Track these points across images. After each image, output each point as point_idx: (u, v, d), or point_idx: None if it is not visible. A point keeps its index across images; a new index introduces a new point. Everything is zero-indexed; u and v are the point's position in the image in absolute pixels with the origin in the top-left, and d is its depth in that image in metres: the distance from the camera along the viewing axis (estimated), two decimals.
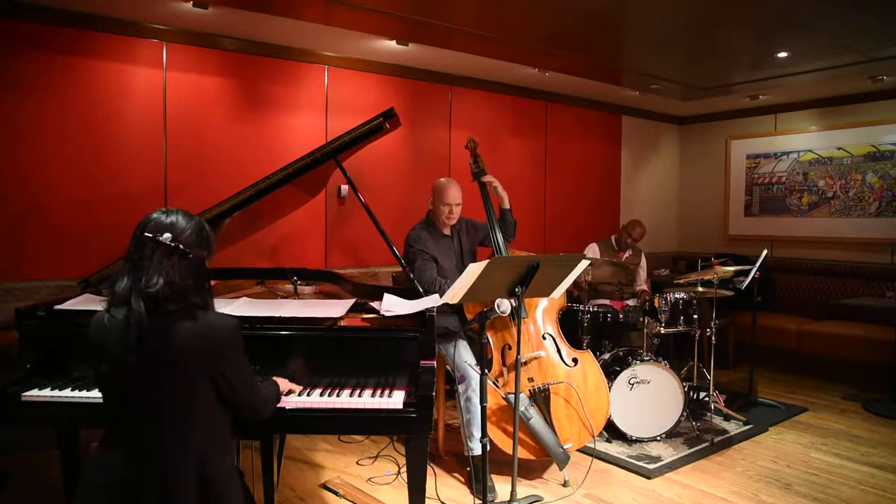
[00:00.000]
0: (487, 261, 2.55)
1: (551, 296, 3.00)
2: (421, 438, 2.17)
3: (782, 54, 4.57)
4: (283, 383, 2.08)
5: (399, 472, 3.37)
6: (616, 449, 3.70)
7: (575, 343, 3.69)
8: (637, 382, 3.76)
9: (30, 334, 2.29)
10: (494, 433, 3.20)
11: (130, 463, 1.57)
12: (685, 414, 3.88)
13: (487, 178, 3.55)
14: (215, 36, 4.08)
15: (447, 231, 3.55)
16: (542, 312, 3.49)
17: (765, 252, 4.52)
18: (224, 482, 1.64)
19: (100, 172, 3.75)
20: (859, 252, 5.77)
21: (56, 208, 3.63)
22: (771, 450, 3.78)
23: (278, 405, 2.00)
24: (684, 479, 3.34)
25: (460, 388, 3.24)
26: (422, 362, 2.23)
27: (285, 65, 4.38)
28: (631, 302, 4.49)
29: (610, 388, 3.57)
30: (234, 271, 3.19)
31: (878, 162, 5.66)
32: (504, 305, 2.53)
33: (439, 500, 3.09)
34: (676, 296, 4.04)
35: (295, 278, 3.09)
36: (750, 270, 4.38)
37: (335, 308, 2.46)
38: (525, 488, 3.20)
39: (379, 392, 2.20)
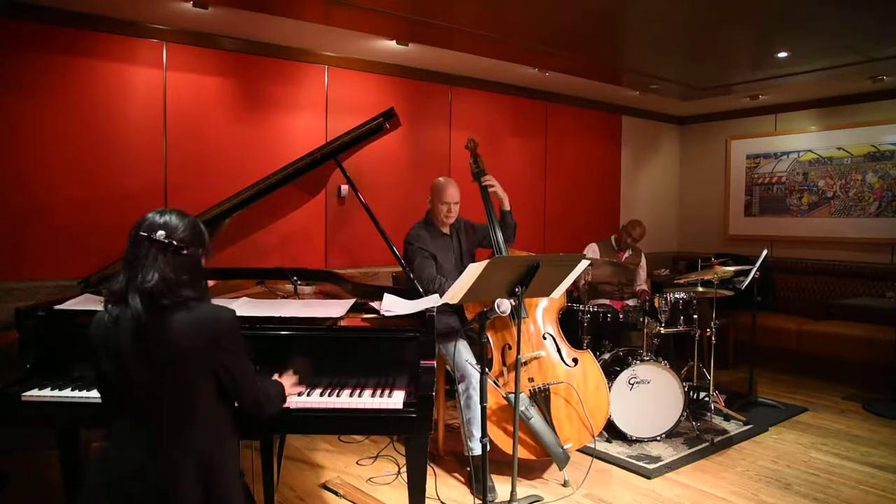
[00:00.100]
0: (487, 261, 2.55)
1: (551, 296, 3.00)
2: (421, 438, 2.17)
3: (782, 54, 4.57)
4: (288, 380, 2.07)
5: (399, 472, 3.37)
6: (616, 449, 3.70)
7: (575, 343, 3.69)
8: (637, 382, 3.76)
9: (30, 334, 2.29)
10: (494, 433, 3.20)
11: (133, 461, 1.57)
12: (685, 414, 3.88)
13: (487, 181, 3.53)
14: (215, 36, 4.08)
15: (446, 230, 3.55)
16: (542, 312, 3.49)
17: (765, 252, 4.52)
18: (225, 476, 1.65)
19: (100, 172, 3.75)
20: (859, 252, 5.77)
21: (56, 208, 3.63)
22: (771, 450, 3.78)
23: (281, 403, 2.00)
24: (684, 479, 3.34)
25: (460, 387, 3.24)
26: (422, 362, 2.23)
27: (285, 65, 4.38)
28: (631, 302, 4.49)
29: (610, 388, 3.57)
30: (234, 271, 3.19)
31: (878, 162, 5.66)
32: (504, 305, 2.53)
33: (439, 500, 3.09)
34: (676, 296, 4.04)
35: (295, 278, 3.09)
36: (750, 270, 4.38)
37: (335, 308, 2.46)
38: (525, 488, 3.20)
39: (379, 392, 2.20)
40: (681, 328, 4.05)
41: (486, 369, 2.66)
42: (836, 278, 5.79)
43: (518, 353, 2.87)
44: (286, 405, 2.08)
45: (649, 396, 3.78)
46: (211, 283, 3.05)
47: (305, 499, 3.11)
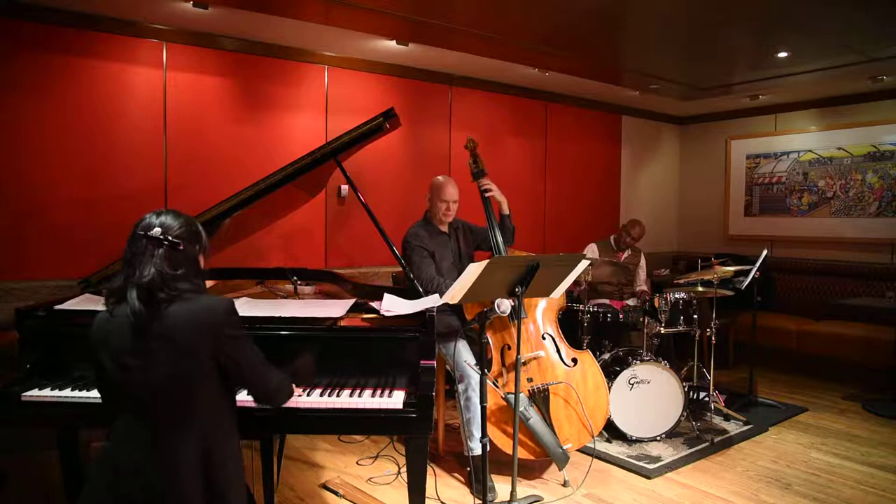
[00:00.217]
0: (487, 261, 2.55)
1: (551, 296, 3.00)
2: (421, 438, 2.17)
3: (782, 54, 4.57)
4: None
5: (399, 472, 3.37)
6: (616, 449, 3.70)
7: (575, 343, 3.69)
8: (637, 382, 3.75)
9: (30, 334, 2.30)
10: (494, 433, 3.20)
11: (134, 459, 1.58)
12: (685, 414, 3.88)
13: (485, 185, 3.52)
14: (215, 36, 4.08)
15: (444, 228, 3.56)
16: (542, 312, 3.49)
17: (765, 252, 4.52)
18: (227, 472, 1.65)
19: (100, 172, 3.75)
20: (859, 252, 5.77)
21: (56, 208, 3.63)
22: (771, 450, 3.78)
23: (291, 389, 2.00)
24: (684, 479, 3.35)
25: (460, 387, 3.24)
26: (422, 362, 2.24)
27: (285, 65, 4.38)
28: (631, 302, 4.49)
29: (610, 388, 3.58)
30: (234, 271, 3.19)
31: (878, 162, 5.66)
32: (504, 305, 2.54)
33: (439, 500, 3.09)
34: (676, 296, 4.04)
35: (295, 278, 3.09)
36: (750, 270, 4.38)
37: (335, 308, 2.47)
38: (525, 488, 3.20)
39: (379, 392, 2.21)
40: (681, 328, 4.05)
41: (486, 370, 2.66)
42: (836, 278, 5.79)
43: (518, 353, 2.86)
44: (286, 405, 2.09)
45: (649, 396, 3.78)
46: (211, 283, 3.08)
47: (305, 499, 3.11)
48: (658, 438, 3.81)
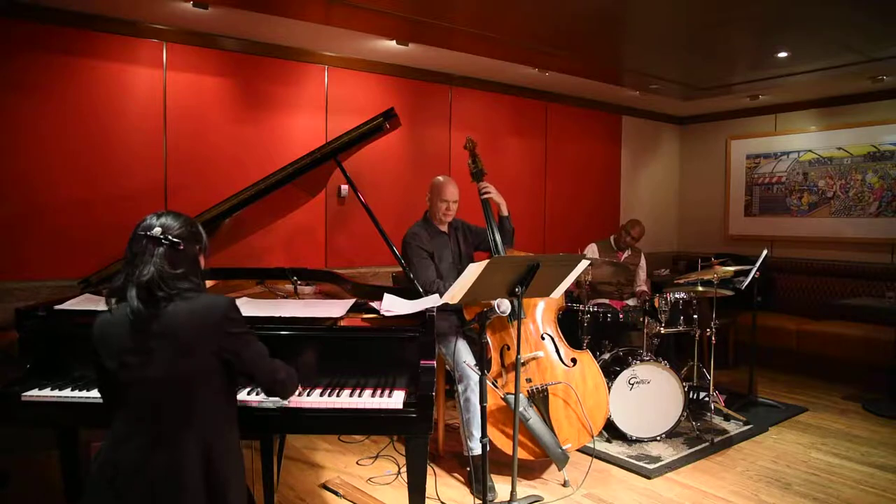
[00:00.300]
0: (487, 261, 2.55)
1: (551, 296, 3.00)
2: (421, 438, 2.17)
3: (782, 54, 4.57)
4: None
5: (399, 472, 3.37)
6: (616, 449, 3.70)
7: (575, 343, 3.69)
8: (637, 382, 3.75)
9: (30, 334, 2.30)
10: (493, 434, 3.20)
11: (135, 457, 1.58)
12: (685, 414, 3.88)
13: (483, 188, 3.50)
14: (215, 36, 4.08)
15: (444, 228, 3.56)
16: (541, 313, 3.49)
17: (765, 252, 4.52)
18: (228, 470, 1.66)
19: (100, 172, 3.75)
20: (859, 252, 5.77)
21: (56, 208, 3.63)
22: (771, 450, 3.78)
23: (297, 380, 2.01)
24: (684, 479, 3.35)
25: (460, 388, 3.24)
26: (422, 362, 2.24)
27: (285, 65, 4.38)
28: (631, 302, 4.49)
29: (610, 388, 3.58)
30: (234, 271, 3.19)
31: (878, 162, 5.66)
32: (504, 305, 2.54)
33: (439, 500, 3.09)
34: (676, 296, 4.04)
35: (295, 278, 3.09)
36: (750, 270, 4.38)
37: (335, 308, 2.47)
38: (525, 488, 3.20)
39: (379, 392, 2.21)
40: (681, 328, 4.05)
41: (485, 370, 2.66)
42: (836, 278, 5.79)
43: (518, 353, 2.86)
44: (286, 405, 2.09)
45: (649, 396, 3.78)
46: (211, 283, 3.08)
47: (305, 499, 3.11)
48: (658, 438, 3.81)
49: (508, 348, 3.30)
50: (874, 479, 3.37)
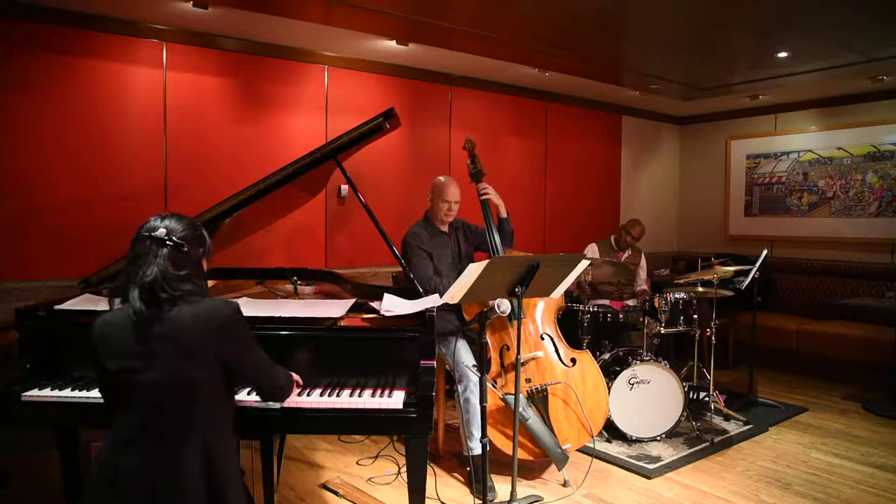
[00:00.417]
0: (487, 261, 2.55)
1: (551, 296, 3.00)
2: (421, 438, 2.17)
3: (782, 54, 4.57)
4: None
5: (399, 472, 3.37)
6: (616, 449, 3.70)
7: (575, 343, 3.69)
8: (637, 382, 3.75)
9: (30, 334, 2.30)
10: (493, 434, 3.20)
11: (135, 459, 1.58)
12: (685, 414, 3.88)
13: (482, 190, 3.50)
14: (215, 36, 4.08)
15: (445, 228, 3.56)
16: (541, 313, 3.49)
17: (765, 252, 4.52)
18: (227, 471, 1.66)
19: (100, 172, 3.75)
20: (859, 252, 5.77)
21: (56, 208, 3.63)
22: (771, 450, 3.78)
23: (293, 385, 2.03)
24: (684, 479, 3.35)
25: (459, 388, 3.24)
26: (422, 362, 2.24)
27: (285, 65, 4.38)
28: (631, 302, 4.49)
29: (610, 388, 3.58)
30: (234, 271, 3.19)
31: (878, 162, 5.66)
32: (504, 305, 2.54)
33: (439, 500, 3.09)
34: (676, 296, 4.04)
35: (295, 278, 3.09)
36: (750, 270, 4.38)
37: (335, 308, 2.47)
38: (525, 488, 3.20)
39: (379, 392, 2.21)
40: (681, 328, 4.05)
41: (485, 370, 2.66)
42: (836, 278, 5.79)
43: (517, 353, 2.86)
44: (287, 405, 2.09)
45: (649, 396, 3.78)
46: (211, 283, 3.08)
47: (305, 499, 3.11)
48: (658, 438, 3.81)
49: (508, 348, 3.30)
50: (874, 479, 3.37)
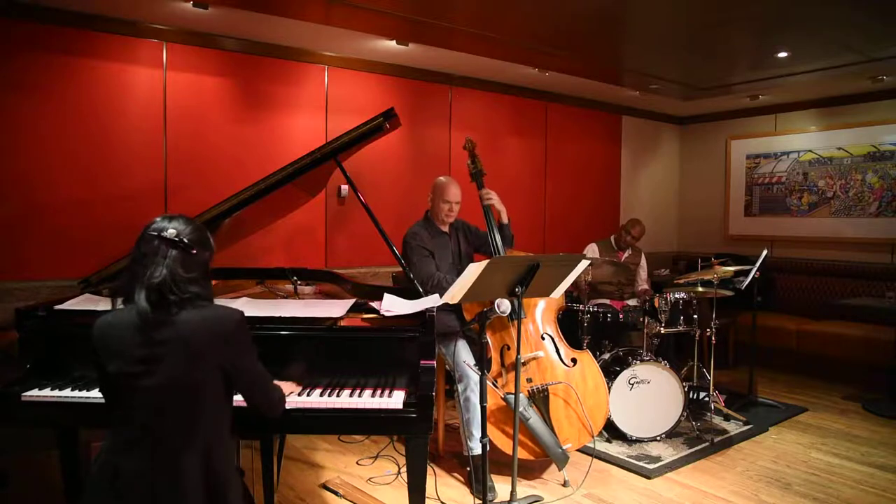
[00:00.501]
0: (488, 261, 2.55)
1: (551, 296, 3.00)
2: (421, 438, 2.17)
3: (782, 54, 4.57)
4: (287, 387, 2.08)
5: (399, 472, 3.37)
6: (616, 449, 3.70)
7: (575, 343, 3.69)
8: (637, 382, 3.75)
9: (30, 334, 2.29)
10: (494, 434, 3.20)
11: (136, 460, 1.57)
12: (685, 414, 3.88)
13: (486, 196, 3.50)
14: (215, 36, 4.08)
15: (445, 229, 3.56)
16: (541, 312, 3.49)
17: (765, 252, 4.52)
18: (226, 474, 1.65)
19: (100, 172, 3.75)
20: (859, 252, 5.77)
21: (56, 208, 3.63)
22: (771, 450, 3.78)
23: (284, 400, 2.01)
24: (684, 479, 3.35)
25: (459, 388, 3.24)
26: (422, 362, 2.24)
27: (285, 65, 4.38)
28: (631, 302, 4.49)
29: (610, 388, 3.58)
30: (234, 271, 3.19)
31: (878, 162, 5.66)
32: (504, 305, 2.54)
33: (439, 500, 3.09)
34: (676, 296, 4.05)
35: (295, 278, 3.09)
36: (750, 270, 4.38)
37: (335, 308, 2.46)
38: (525, 488, 3.20)
39: (379, 392, 2.21)
40: (681, 328, 4.05)
41: (485, 370, 2.66)
42: (836, 278, 5.79)
43: (518, 353, 2.86)
44: (286, 405, 2.09)
45: (649, 396, 3.78)
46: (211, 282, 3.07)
47: (305, 499, 3.11)
48: (658, 438, 3.81)
49: (508, 348, 3.30)
50: (874, 479, 3.37)
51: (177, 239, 1.62)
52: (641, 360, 3.77)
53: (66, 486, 2.38)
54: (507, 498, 2.92)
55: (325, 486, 3.22)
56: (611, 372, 3.76)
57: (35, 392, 2.14)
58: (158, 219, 1.68)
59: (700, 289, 4.17)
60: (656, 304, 4.02)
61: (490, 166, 3.78)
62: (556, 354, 3.40)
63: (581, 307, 4.09)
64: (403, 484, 3.06)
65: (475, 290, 2.64)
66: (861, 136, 5.75)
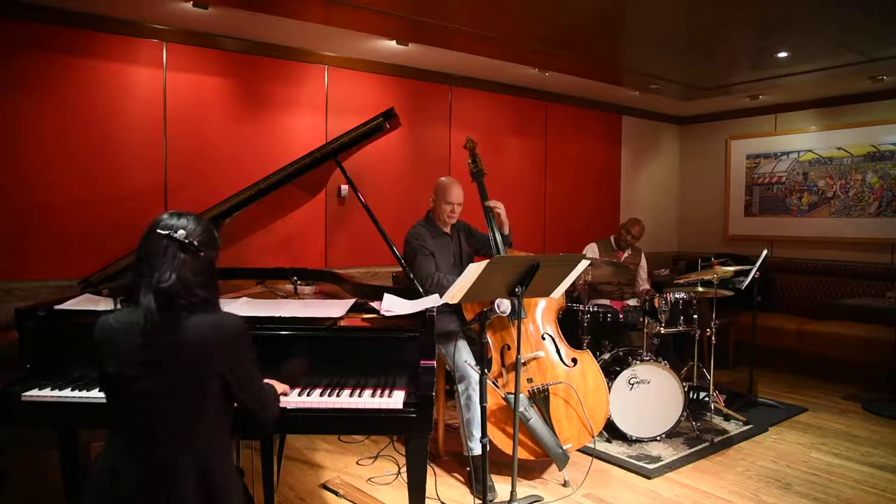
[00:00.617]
0: (488, 261, 2.55)
1: (551, 296, 3.00)
2: (421, 438, 2.17)
3: (782, 54, 4.57)
4: (279, 387, 2.06)
5: (399, 472, 3.37)
6: (616, 449, 3.70)
7: (575, 343, 3.69)
8: (637, 382, 3.75)
9: (30, 334, 2.29)
10: (494, 434, 3.20)
11: (135, 463, 1.57)
12: (685, 414, 3.88)
13: (494, 205, 3.51)
14: (215, 36, 4.08)
15: (447, 229, 3.56)
16: (541, 312, 3.49)
17: (765, 252, 4.52)
18: (225, 480, 1.64)
19: (100, 172, 3.75)
20: (859, 252, 5.77)
21: (56, 208, 3.63)
22: (771, 450, 3.78)
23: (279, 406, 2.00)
24: (684, 479, 3.34)
25: (460, 387, 3.24)
26: (422, 362, 2.23)
27: (285, 65, 4.38)
28: (631, 302, 4.49)
29: (610, 388, 3.58)
30: (234, 271, 3.19)
31: (878, 162, 5.66)
32: (504, 305, 2.53)
33: (439, 500, 3.09)
34: (676, 296, 4.05)
35: (295, 278, 3.09)
36: (750, 270, 4.38)
37: (335, 308, 2.47)
38: (525, 488, 3.20)
39: (379, 392, 2.20)
40: (681, 328, 4.05)
41: (486, 370, 2.66)
42: (836, 278, 5.79)
43: (518, 353, 2.86)
44: (287, 405, 2.09)
45: (649, 396, 3.78)
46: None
47: (305, 499, 3.11)
48: (658, 438, 3.81)
49: (509, 348, 3.30)
50: (874, 479, 3.37)
51: (187, 241, 1.58)
52: (641, 360, 3.77)
53: (66, 486, 2.39)
54: (507, 498, 2.92)
55: (325, 486, 3.22)
56: (611, 372, 3.75)
57: (35, 392, 2.14)
58: (166, 216, 1.64)
59: (700, 289, 4.17)
60: (656, 304, 4.02)
61: (490, 166, 3.78)
62: (556, 354, 3.40)
63: (581, 307, 4.09)
64: (403, 484, 3.06)
65: (475, 290, 2.64)
66: (861, 136, 5.75)
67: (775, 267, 6.12)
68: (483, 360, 2.69)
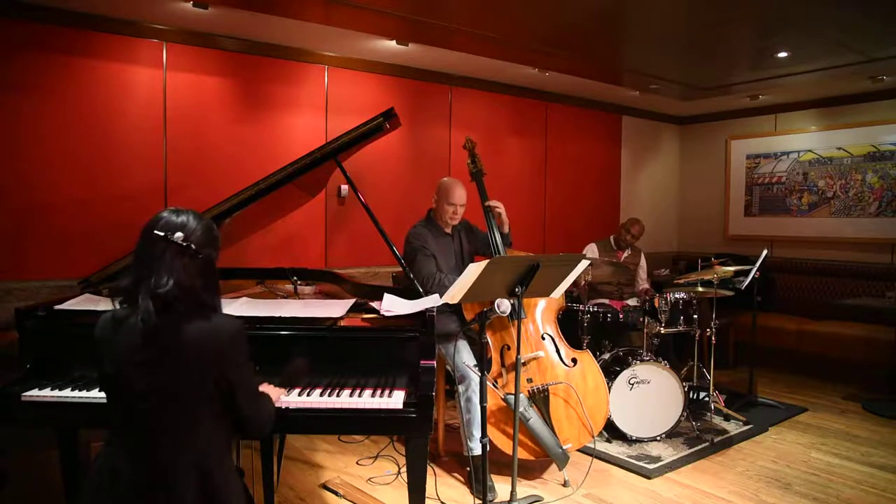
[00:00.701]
0: (488, 261, 2.55)
1: (551, 296, 3.00)
2: (421, 438, 2.17)
3: (782, 54, 4.57)
4: (271, 390, 2.01)
5: (399, 472, 3.37)
6: (616, 449, 3.70)
7: (575, 343, 3.69)
8: (637, 382, 3.75)
9: (30, 334, 2.29)
10: (494, 434, 3.20)
11: (134, 463, 1.56)
12: (685, 414, 3.88)
13: (494, 206, 3.51)
14: (215, 36, 4.08)
15: (448, 230, 3.56)
16: (541, 312, 3.49)
17: (765, 252, 4.52)
18: (224, 480, 1.64)
19: (100, 172, 3.75)
20: (859, 252, 5.77)
21: (56, 208, 3.63)
22: (771, 450, 3.78)
23: (279, 405, 2.00)
24: (684, 479, 3.34)
25: (460, 388, 3.24)
26: (422, 362, 2.24)
27: (285, 65, 4.38)
28: (631, 302, 4.49)
29: (610, 388, 3.58)
30: (234, 271, 3.19)
31: (878, 162, 5.66)
32: (504, 305, 2.53)
33: (439, 500, 3.09)
34: (676, 296, 4.05)
35: (295, 278, 3.10)
36: (750, 270, 4.38)
37: (335, 308, 2.47)
38: (525, 488, 3.20)
39: (379, 392, 2.21)
40: (681, 328, 4.05)
41: (486, 370, 2.66)
42: (836, 278, 5.79)
43: (518, 353, 2.86)
44: (286, 405, 2.09)
45: (649, 396, 3.78)
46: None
47: (305, 499, 3.11)
48: (658, 438, 3.81)
49: (509, 348, 3.30)
50: (874, 479, 3.37)
51: (185, 244, 1.55)
52: (641, 360, 3.77)
53: (66, 486, 2.39)
54: (507, 498, 2.92)
55: (325, 486, 3.22)
56: (611, 372, 3.75)
57: (35, 392, 2.14)
58: (165, 213, 1.60)
59: (700, 289, 4.17)
60: (656, 304, 4.02)
61: (490, 166, 3.78)
62: (556, 354, 3.40)
63: (581, 307, 4.09)
64: (403, 484, 3.06)
65: (475, 290, 2.64)
66: (861, 136, 5.75)
67: (775, 267, 6.12)
68: (483, 361, 2.69)
